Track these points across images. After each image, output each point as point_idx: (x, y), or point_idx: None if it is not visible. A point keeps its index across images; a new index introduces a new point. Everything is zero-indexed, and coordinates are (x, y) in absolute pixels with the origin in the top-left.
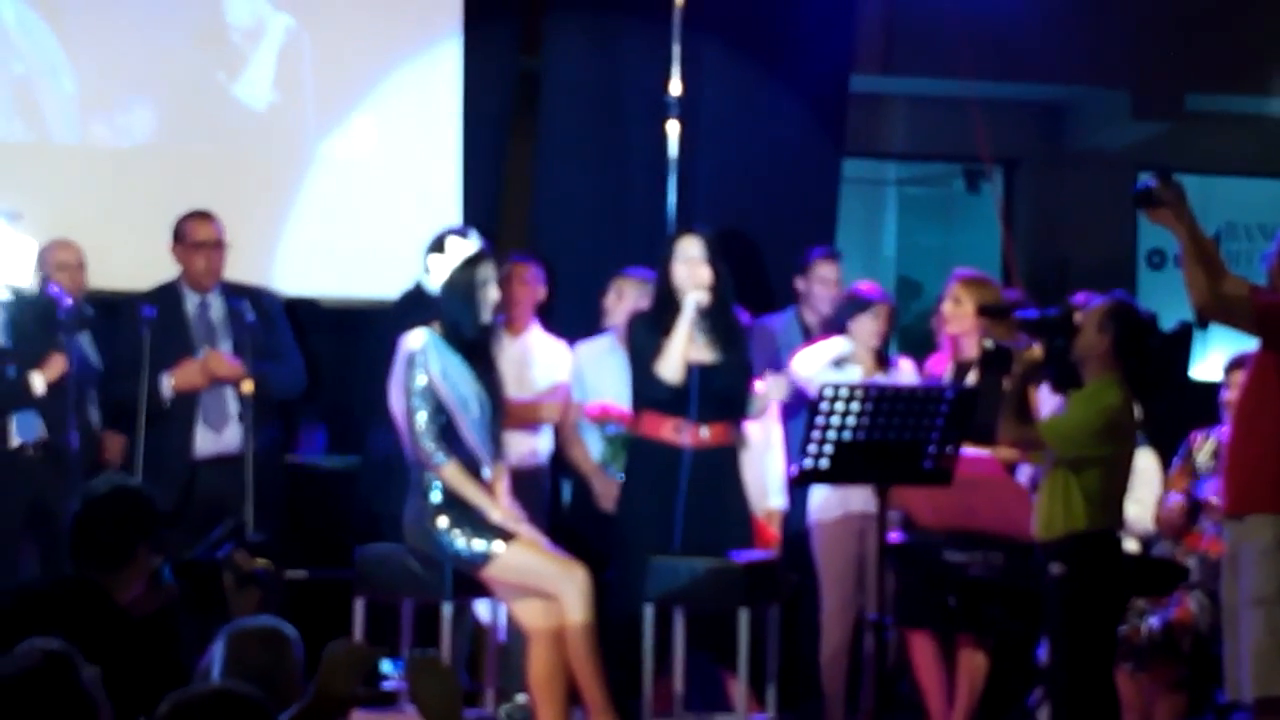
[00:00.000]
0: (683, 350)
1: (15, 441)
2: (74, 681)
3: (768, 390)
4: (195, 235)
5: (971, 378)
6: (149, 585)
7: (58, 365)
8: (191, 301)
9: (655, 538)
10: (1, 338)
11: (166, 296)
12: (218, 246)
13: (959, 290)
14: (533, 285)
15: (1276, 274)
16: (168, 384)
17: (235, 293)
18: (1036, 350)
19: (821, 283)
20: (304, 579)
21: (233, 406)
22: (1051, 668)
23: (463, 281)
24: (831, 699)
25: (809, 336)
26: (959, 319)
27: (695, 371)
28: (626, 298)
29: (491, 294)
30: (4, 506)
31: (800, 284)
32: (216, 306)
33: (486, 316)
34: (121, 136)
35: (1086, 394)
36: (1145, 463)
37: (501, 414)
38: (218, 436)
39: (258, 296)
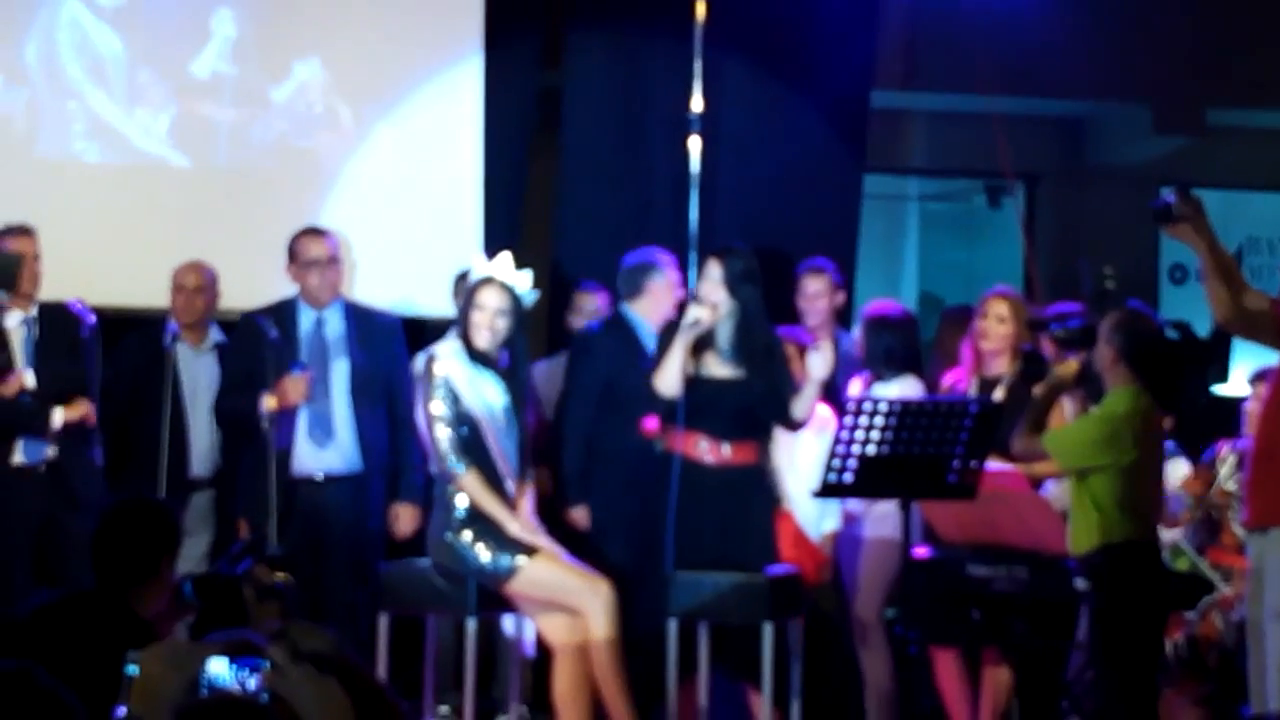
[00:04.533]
0: (677, 364)
1: (19, 460)
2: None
3: (810, 364)
4: (307, 253)
5: (999, 394)
6: (171, 600)
7: (80, 408)
8: (307, 318)
9: (679, 554)
10: (22, 355)
11: (280, 313)
12: (332, 263)
13: (1002, 307)
14: (592, 313)
15: None
16: (267, 403)
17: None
18: (1072, 363)
19: (805, 297)
20: None
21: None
22: (1085, 684)
23: (464, 299)
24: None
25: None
26: (999, 337)
27: (706, 386)
28: (580, 312)
29: (486, 320)
30: (6, 524)
31: (799, 300)
32: (334, 323)
33: (482, 343)
34: (142, 156)
35: (1101, 405)
36: (1177, 474)
37: (528, 431)
38: (319, 453)
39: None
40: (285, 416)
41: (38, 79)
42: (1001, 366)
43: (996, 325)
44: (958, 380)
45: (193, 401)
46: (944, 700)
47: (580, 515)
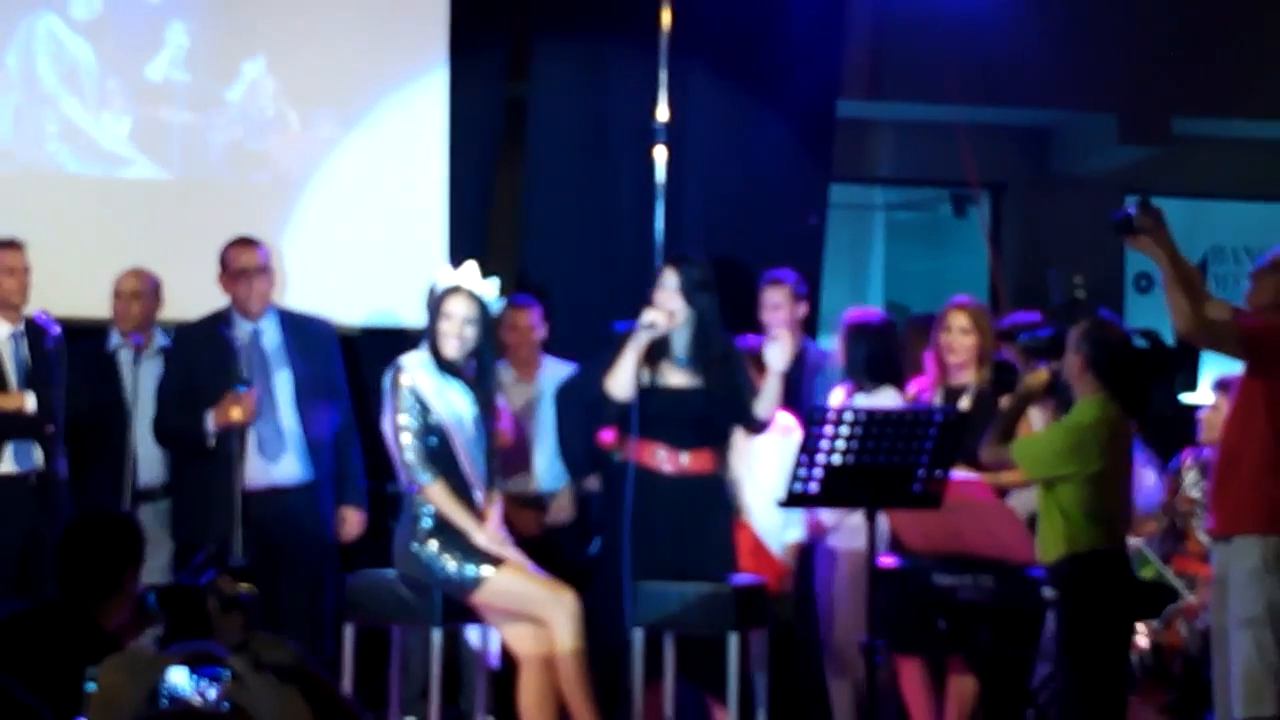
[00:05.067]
0: (630, 367)
1: (7, 469)
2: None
3: (768, 356)
4: (236, 262)
5: (965, 403)
6: (135, 611)
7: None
8: (243, 330)
9: (637, 563)
10: (13, 369)
11: (214, 325)
12: (262, 272)
13: (963, 319)
14: (533, 327)
15: (1252, 295)
16: (212, 420)
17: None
18: (1043, 373)
19: (767, 309)
20: None
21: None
22: (1049, 692)
23: (431, 309)
24: None
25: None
26: (964, 349)
27: (664, 396)
28: (514, 328)
29: (452, 328)
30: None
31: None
32: (270, 333)
33: (450, 351)
34: (108, 165)
35: (1068, 414)
36: (1145, 482)
37: (495, 442)
38: (269, 467)
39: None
40: (232, 430)
41: (16, 87)
42: (967, 376)
43: (960, 337)
44: (922, 390)
45: (135, 410)
46: (908, 709)
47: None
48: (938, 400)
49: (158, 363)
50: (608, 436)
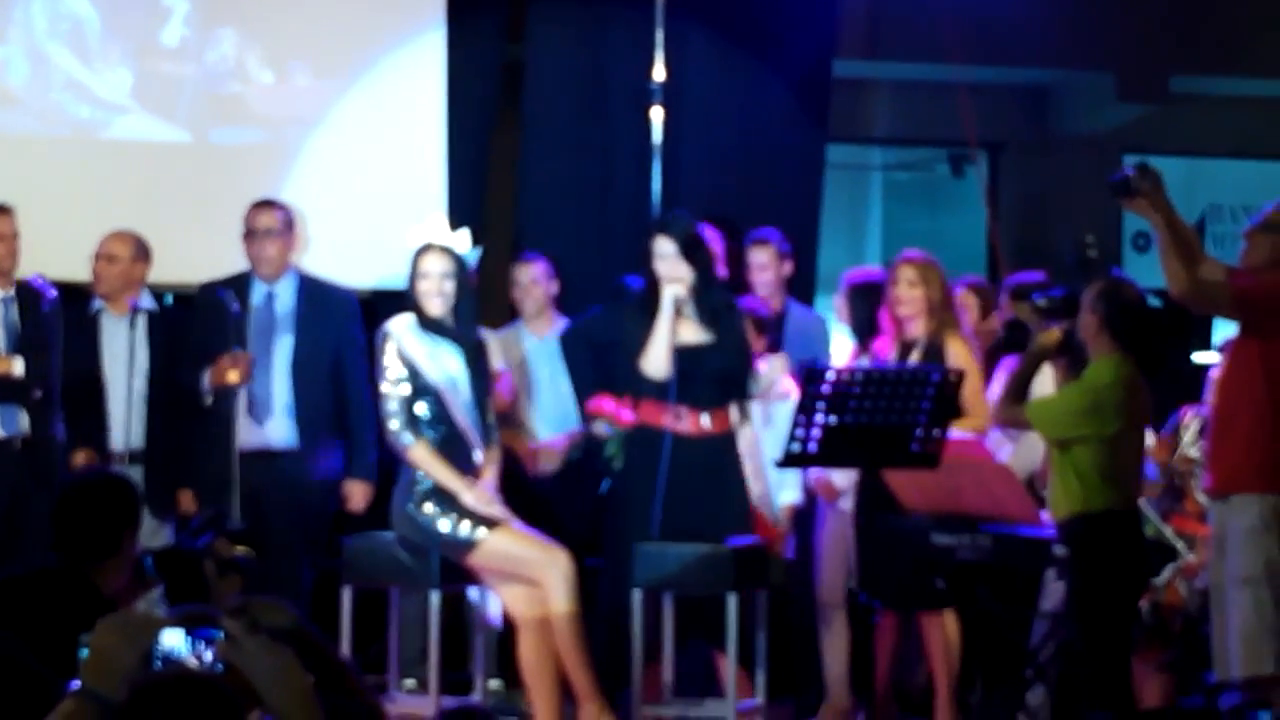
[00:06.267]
0: (665, 345)
1: None
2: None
3: (770, 369)
4: (253, 223)
5: (915, 357)
6: (132, 575)
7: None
8: (259, 292)
9: (648, 524)
10: (2, 334)
11: (234, 286)
12: (278, 234)
13: (911, 272)
14: (538, 281)
15: (1246, 255)
16: (209, 378)
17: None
18: (1055, 332)
19: (752, 269)
20: None
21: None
22: (1049, 652)
23: (409, 271)
24: (835, 683)
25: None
26: (912, 300)
27: (681, 356)
28: (517, 284)
29: (431, 286)
30: None
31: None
32: (285, 298)
33: (434, 310)
34: (100, 129)
35: (1083, 375)
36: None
37: (491, 399)
38: (258, 429)
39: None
40: (229, 391)
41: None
42: (917, 330)
43: (909, 289)
44: (881, 349)
45: (112, 374)
46: (930, 665)
47: None
48: (894, 356)
49: (141, 326)
50: (602, 405)
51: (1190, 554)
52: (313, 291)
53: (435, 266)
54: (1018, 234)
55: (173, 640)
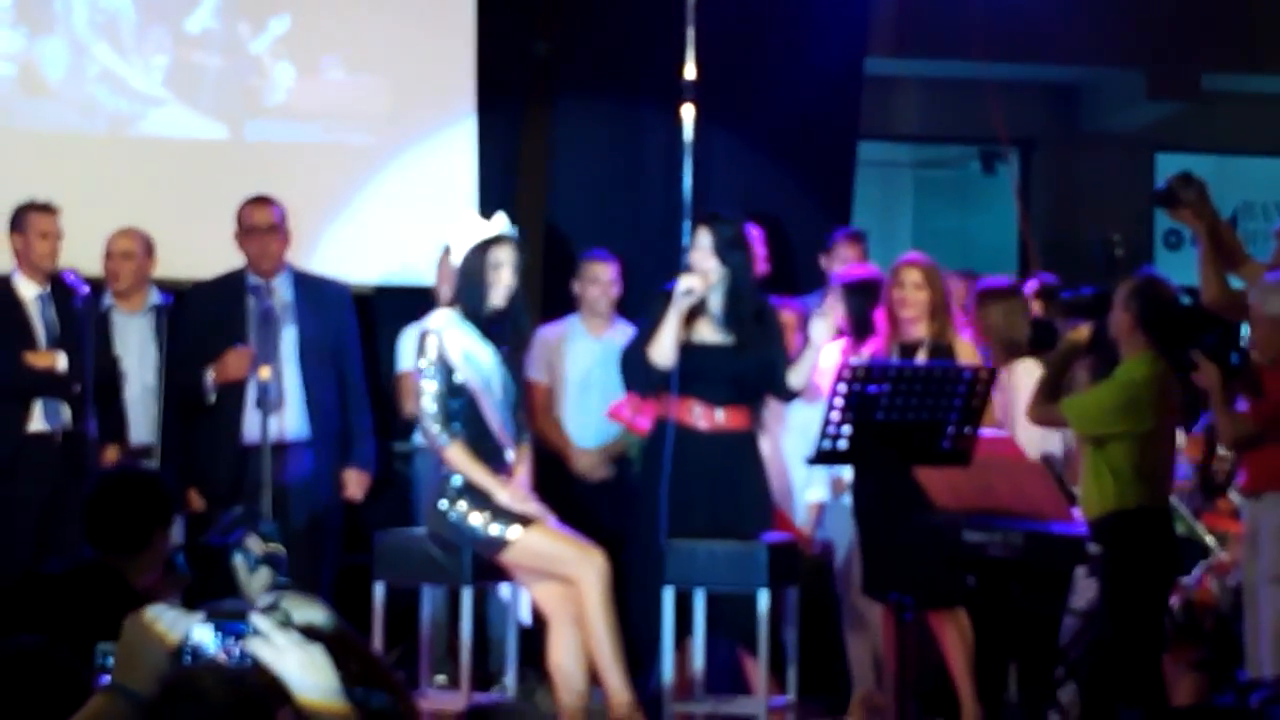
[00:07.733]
0: (672, 335)
1: (37, 427)
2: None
3: (813, 328)
4: (248, 220)
5: (920, 358)
6: (164, 571)
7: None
8: (256, 287)
9: (673, 520)
10: (41, 329)
11: (227, 284)
12: (273, 230)
13: (916, 274)
14: (613, 282)
15: (1277, 255)
16: (210, 375)
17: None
18: (1084, 330)
19: (843, 263)
20: None
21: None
22: (1080, 650)
23: (476, 263)
24: (861, 680)
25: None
26: (918, 303)
27: (696, 353)
28: (596, 282)
29: (505, 278)
30: (26, 491)
31: (824, 263)
32: (281, 293)
33: (499, 300)
34: (136, 127)
35: (1117, 372)
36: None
37: (524, 397)
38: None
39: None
40: (236, 386)
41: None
42: (921, 331)
43: (914, 292)
44: (876, 349)
45: (124, 369)
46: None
47: None
48: (894, 357)
49: (150, 322)
50: (620, 411)
51: (1222, 551)
52: (308, 285)
53: (508, 257)
54: (1048, 231)
55: (202, 636)
